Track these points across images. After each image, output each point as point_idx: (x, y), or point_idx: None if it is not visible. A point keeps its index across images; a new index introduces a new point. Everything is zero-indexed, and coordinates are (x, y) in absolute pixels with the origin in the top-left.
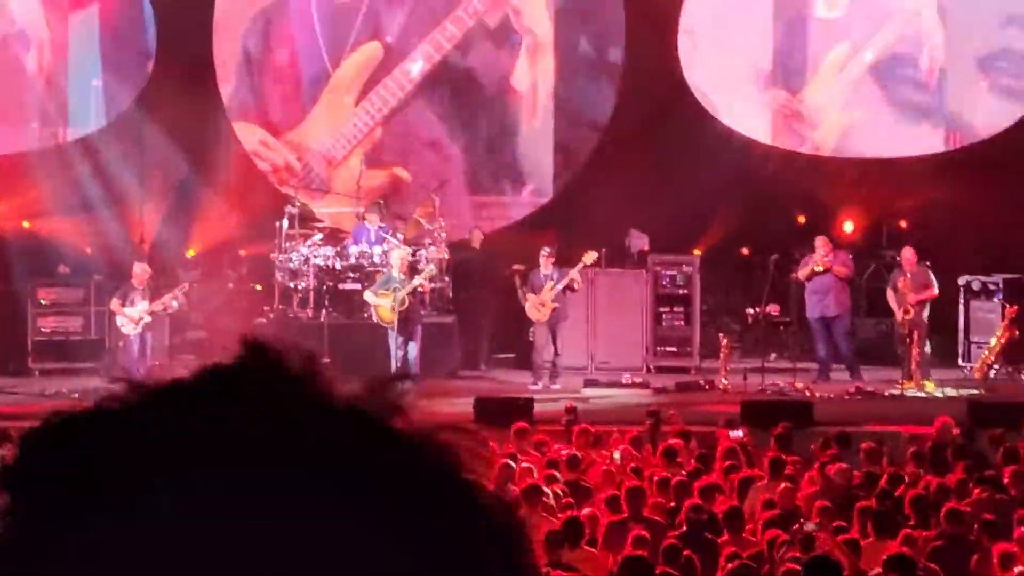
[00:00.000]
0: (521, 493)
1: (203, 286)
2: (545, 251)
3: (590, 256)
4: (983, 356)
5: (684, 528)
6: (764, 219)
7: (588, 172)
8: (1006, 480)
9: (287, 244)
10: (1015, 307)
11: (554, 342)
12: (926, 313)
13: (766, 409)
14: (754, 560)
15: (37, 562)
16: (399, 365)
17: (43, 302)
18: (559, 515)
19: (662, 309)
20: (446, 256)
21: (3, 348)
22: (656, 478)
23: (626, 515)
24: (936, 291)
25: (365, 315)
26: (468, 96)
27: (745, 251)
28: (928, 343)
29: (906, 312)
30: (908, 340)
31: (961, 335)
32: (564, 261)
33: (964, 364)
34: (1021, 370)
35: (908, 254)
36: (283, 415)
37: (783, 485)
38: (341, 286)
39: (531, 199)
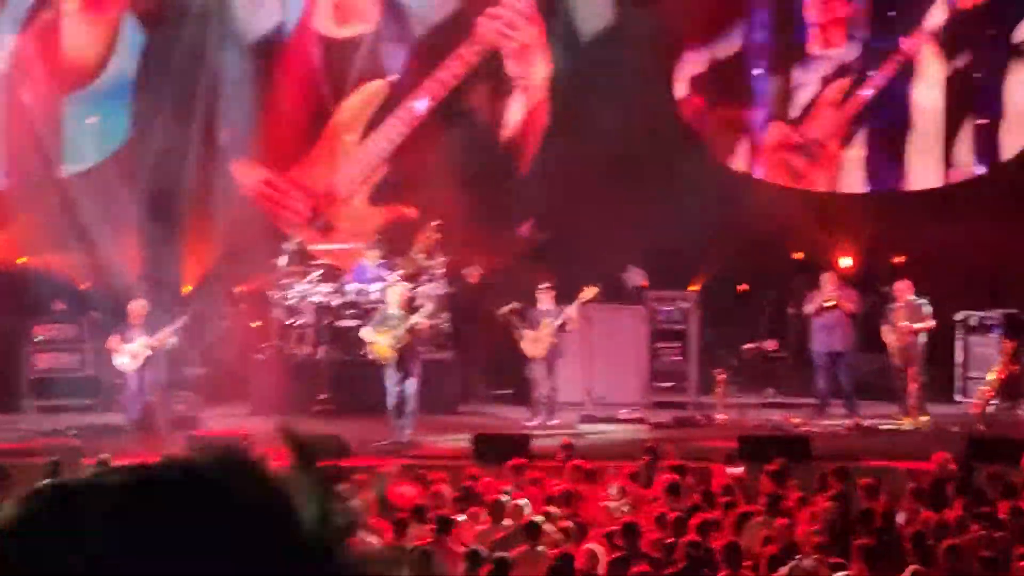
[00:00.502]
0: (521, 529)
1: (201, 323)
2: (543, 287)
3: (588, 292)
4: (981, 391)
5: (682, 564)
6: (761, 255)
7: (585, 208)
8: (1004, 516)
9: (285, 281)
10: (1013, 342)
11: (551, 378)
12: (922, 343)
13: (763, 444)
14: None
15: None
16: (397, 402)
17: (38, 339)
18: (556, 551)
19: (659, 345)
20: (445, 292)
21: None
22: (653, 514)
23: (624, 551)
24: (932, 323)
25: (363, 352)
26: (469, 133)
27: (742, 287)
28: (922, 377)
29: (897, 339)
30: (904, 375)
31: (959, 370)
32: (562, 297)
33: (962, 399)
34: (1019, 405)
35: (902, 286)
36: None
37: (781, 521)
38: (339, 323)
39: (529, 235)
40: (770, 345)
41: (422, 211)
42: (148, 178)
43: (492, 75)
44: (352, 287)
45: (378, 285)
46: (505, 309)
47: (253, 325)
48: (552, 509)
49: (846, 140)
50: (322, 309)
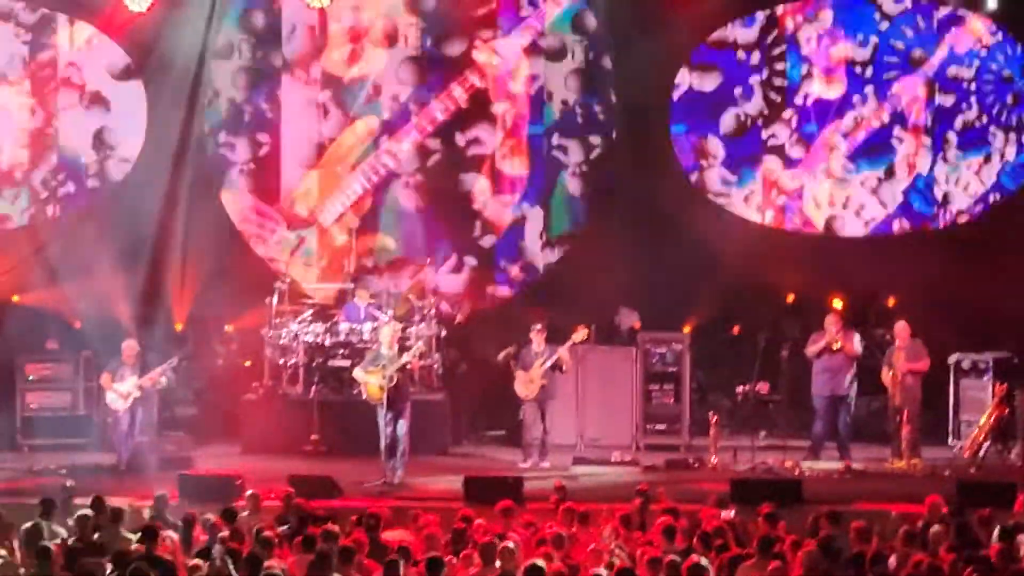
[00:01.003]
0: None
1: (193, 362)
2: (536, 327)
3: (580, 333)
4: (973, 435)
5: None
6: (754, 297)
7: (578, 249)
8: (996, 560)
9: (277, 320)
10: (1005, 385)
11: (543, 419)
12: (919, 389)
13: (756, 487)
14: None
15: None
16: (388, 442)
17: (31, 377)
18: None
19: (652, 387)
20: (436, 332)
21: None
22: (646, 556)
23: None
24: (928, 364)
25: (355, 392)
26: (459, 170)
27: (735, 329)
28: (919, 419)
29: (896, 382)
30: (898, 418)
31: (951, 413)
32: (554, 338)
33: (954, 442)
34: (1011, 449)
35: (901, 328)
36: None
37: (773, 564)
38: (331, 362)
39: (521, 275)
40: (763, 388)
41: (412, 248)
42: (139, 215)
43: (486, 112)
44: (344, 326)
45: (370, 325)
46: (503, 355)
47: (245, 364)
48: (547, 551)
49: (839, 181)
50: (314, 348)
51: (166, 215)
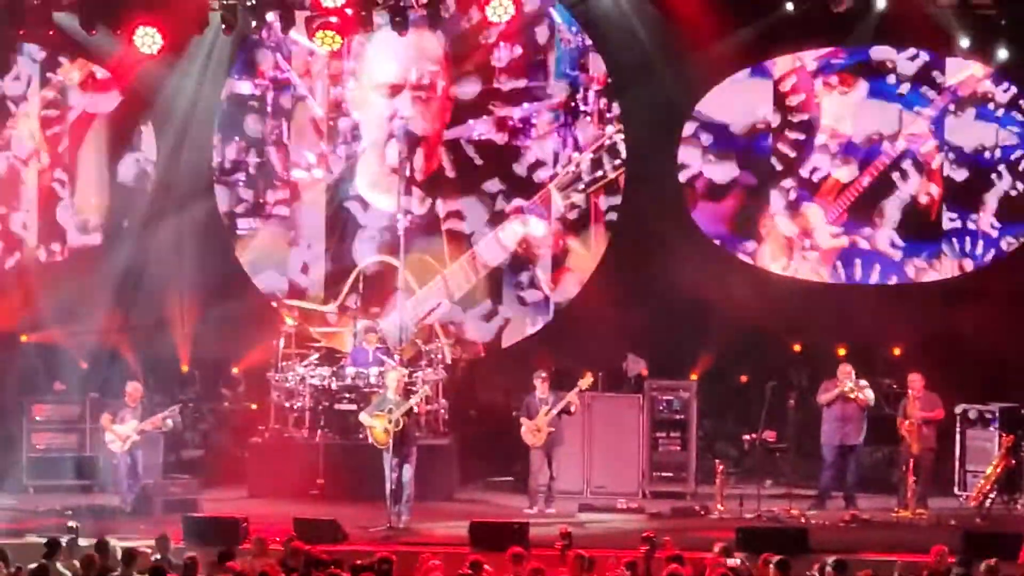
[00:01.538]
0: None
1: (199, 404)
2: (541, 375)
3: (586, 380)
4: (979, 485)
5: None
6: (761, 345)
7: (585, 296)
8: None
9: (283, 363)
10: (1011, 436)
11: (550, 466)
12: (934, 439)
13: (762, 536)
14: None
15: None
16: (393, 487)
17: (38, 419)
18: None
19: (658, 434)
20: (442, 378)
21: None
22: None
23: None
24: (943, 414)
25: (360, 436)
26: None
27: (743, 378)
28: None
29: (911, 432)
30: (904, 467)
31: (957, 463)
32: (560, 385)
33: (960, 493)
34: (1017, 500)
35: (916, 379)
36: None
37: None
38: (337, 406)
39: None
40: (770, 436)
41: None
42: (150, 257)
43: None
44: (350, 371)
45: (376, 369)
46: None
47: (251, 407)
48: None
49: (844, 229)
50: (320, 392)
51: (173, 256)
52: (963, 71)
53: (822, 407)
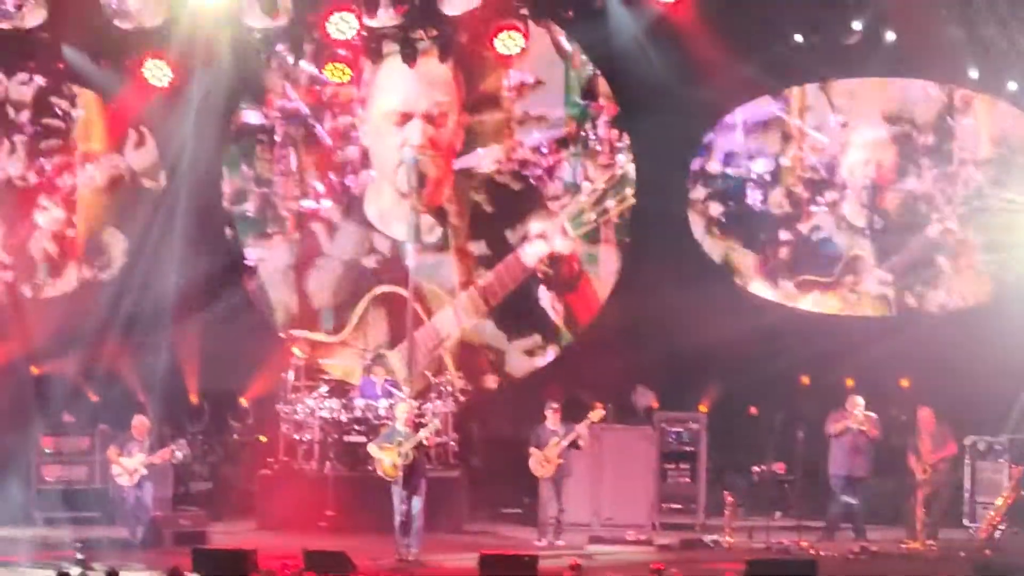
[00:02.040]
0: None
1: (208, 437)
2: (552, 406)
3: (597, 413)
4: (989, 516)
5: None
6: (770, 377)
7: (595, 328)
8: None
9: (293, 395)
10: (1021, 468)
11: (559, 498)
12: (948, 472)
13: (771, 567)
14: None
15: None
16: (403, 519)
17: (47, 451)
18: None
19: (668, 466)
20: (452, 410)
21: (7, 497)
22: None
23: None
24: (955, 448)
25: (370, 468)
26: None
27: (752, 409)
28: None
29: (924, 472)
30: (915, 500)
31: (967, 495)
32: (571, 416)
33: (970, 524)
34: None
35: (926, 415)
36: None
37: None
38: (346, 438)
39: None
40: (779, 468)
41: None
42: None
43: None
44: (360, 403)
45: (385, 401)
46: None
47: (260, 439)
48: None
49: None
50: (329, 424)
51: (184, 289)
52: None
53: (830, 438)
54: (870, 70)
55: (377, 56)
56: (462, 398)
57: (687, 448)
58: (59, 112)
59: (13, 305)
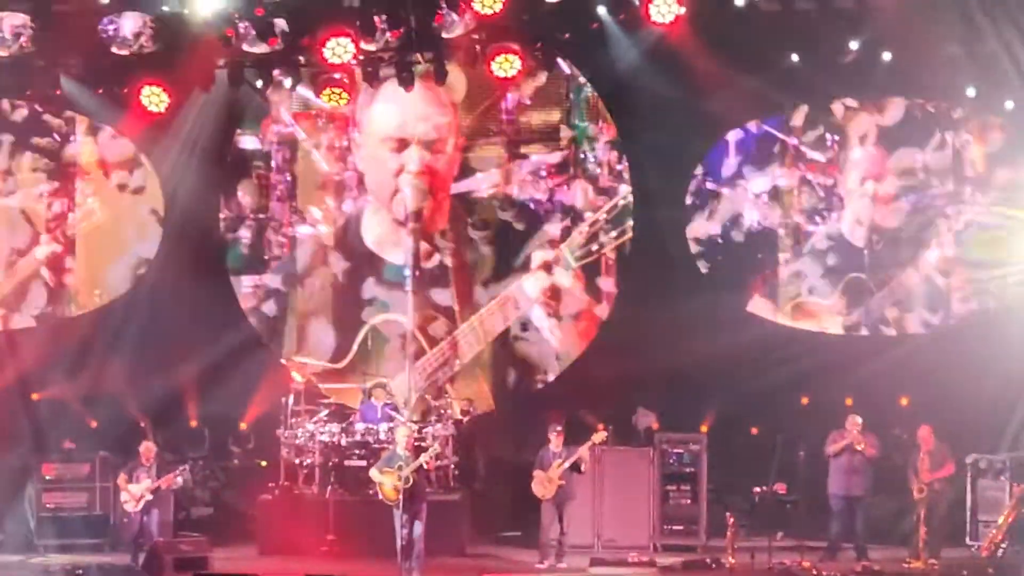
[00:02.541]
0: None
1: (208, 462)
2: (556, 428)
3: (600, 435)
4: (990, 535)
5: None
6: (770, 397)
7: (596, 350)
8: None
9: (293, 420)
10: (1022, 486)
11: (561, 520)
12: (947, 491)
13: None
14: None
15: None
16: (404, 543)
17: (48, 477)
18: None
19: (669, 487)
20: (452, 433)
21: (7, 524)
22: None
23: None
24: (953, 468)
25: (371, 492)
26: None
27: (753, 430)
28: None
29: (920, 491)
30: (916, 518)
31: (968, 514)
32: (573, 439)
33: (972, 543)
34: None
35: (925, 434)
36: None
37: None
38: (347, 463)
39: (541, 376)
40: (780, 488)
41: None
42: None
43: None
44: (360, 427)
45: (386, 425)
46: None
47: (261, 464)
48: None
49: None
50: (330, 449)
51: (180, 312)
52: None
53: (829, 458)
54: (868, 89)
55: (373, 80)
56: (464, 420)
57: (688, 469)
58: (56, 139)
59: (7, 333)
